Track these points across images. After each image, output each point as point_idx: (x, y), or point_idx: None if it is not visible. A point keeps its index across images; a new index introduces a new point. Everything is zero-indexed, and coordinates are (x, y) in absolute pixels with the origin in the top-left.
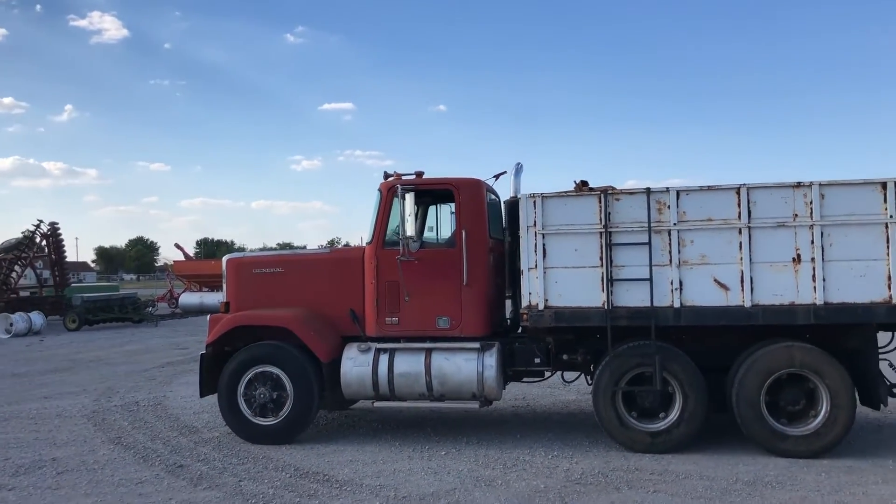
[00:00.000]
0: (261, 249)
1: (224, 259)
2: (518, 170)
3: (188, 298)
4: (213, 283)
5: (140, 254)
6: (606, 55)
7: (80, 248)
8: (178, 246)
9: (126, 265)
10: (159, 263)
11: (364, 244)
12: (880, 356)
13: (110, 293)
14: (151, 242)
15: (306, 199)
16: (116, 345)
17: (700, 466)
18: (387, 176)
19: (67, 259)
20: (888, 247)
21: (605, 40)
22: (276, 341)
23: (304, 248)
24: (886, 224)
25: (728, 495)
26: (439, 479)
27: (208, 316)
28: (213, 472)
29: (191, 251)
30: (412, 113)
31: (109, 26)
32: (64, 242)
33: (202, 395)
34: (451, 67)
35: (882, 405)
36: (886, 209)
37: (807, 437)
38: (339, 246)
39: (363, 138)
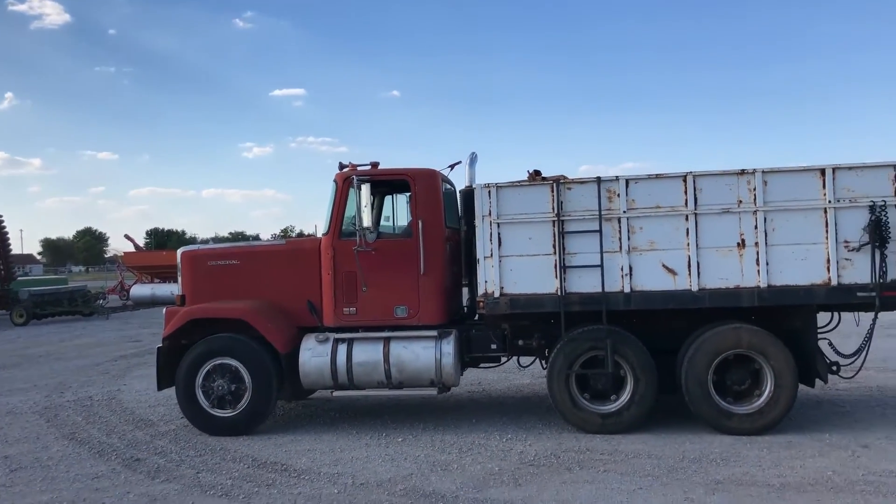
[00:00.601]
0: (213, 239)
1: (179, 252)
2: (473, 159)
3: (139, 290)
4: (164, 274)
5: (88, 245)
6: (562, 38)
7: (25, 240)
8: (127, 237)
9: (74, 257)
10: (109, 255)
11: (319, 234)
12: (820, 335)
13: (59, 286)
14: (100, 233)
15: (258, 186)
16: (67, 339)
17: (649, 446)
18: (342, 167)
19: (12, 252)
20: (827, 231)
21: (560, 23)
22: (233, 333)
23: (258, 237)
24: (825, 209)
25: (675, 472)
26: (396, 465)
27: (164, 309)
28: (171, 465)
29: (141, 242)
30: (365, 99)
31: (50, 11)
32: (8, 234)
33: (160, 388)
34: (405, 52)
35: (823, 382)
36: (825, 195)
37: (751, 415)
38: (293, 235)
39: (316, 125)
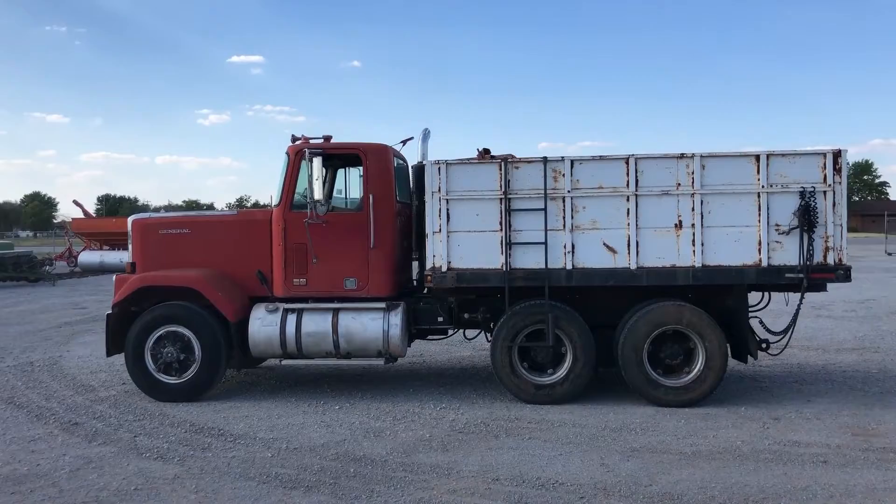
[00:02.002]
0: (165, 208)
1: (129, 219)
2: (425, 135)
3: (88, 257)
4: (114, 241)
5: (37, 210)
6: (524, 13)
7: None
8: (77, 203)
9: (21, 222)
10: (57, 220)
11: (270, 201)
12: (751, 314)
13: (4, 251)
14: (49, 198)
15: (214, 154)
16: (9, 305)
17: (574, 415)
18: (294, 139)
19: None
20: (760, 215)
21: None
22: (183, 302)
23: (212, 206)
24: (759, 194)
25: (595, 440)
26: (331, 431)
27: (114, 276)
28: (109, 429)
29: (91, 208)
30: (325, 68)
31: None
32: None
33: (109, 354)
34: (367, 22)
35: (754, 358)
36: (759, 180)
37: (678, 388)
38: (249, 205)
39: (274, 93)
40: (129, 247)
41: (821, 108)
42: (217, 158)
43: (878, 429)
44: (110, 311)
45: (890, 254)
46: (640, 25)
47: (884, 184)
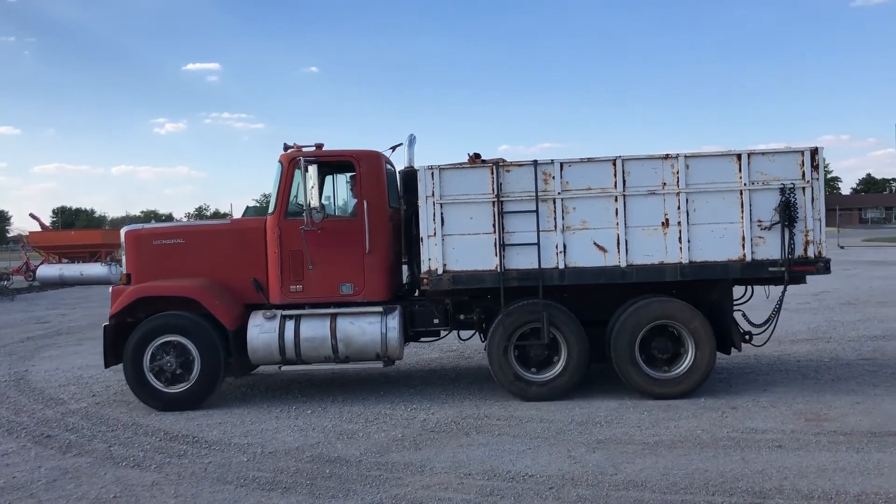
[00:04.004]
0: (123, 219)
1: (122, 231)
2: (411, 141)
3: (47, 270)
4: (73, 254)
5: None
6: (484, 20)
7: None
8: (33, 216)
9: None
10: (12, 234)
11: (235, 213)
12: (735, 307)
13: None
14: (2, 212)
15: (171, 163)
16: None
17: (542, 411)
18: (286, 147)
19: None
20: (742, 211)
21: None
22: (180, 311)
23: (171, 216)
24: (741, 191)
25: (562, 434)
26: (304, 434)
27: (110, 287)
28: (82, 440)
29: (47, 220)
30: (283, 74)
31: None
32: None
33: (107, 365)
34: (324, 27)
35: (738, 350)
36: (741, 178)
37: (669, 381)
38: (208, 214)
39: (231, 100)
40: (123, 258)
41: (772, 105)
42: (174, 168)
43: (829, 414)
44: (107, 323)
45: (842, 247)
46: (597, 30)
47: (835, 179)
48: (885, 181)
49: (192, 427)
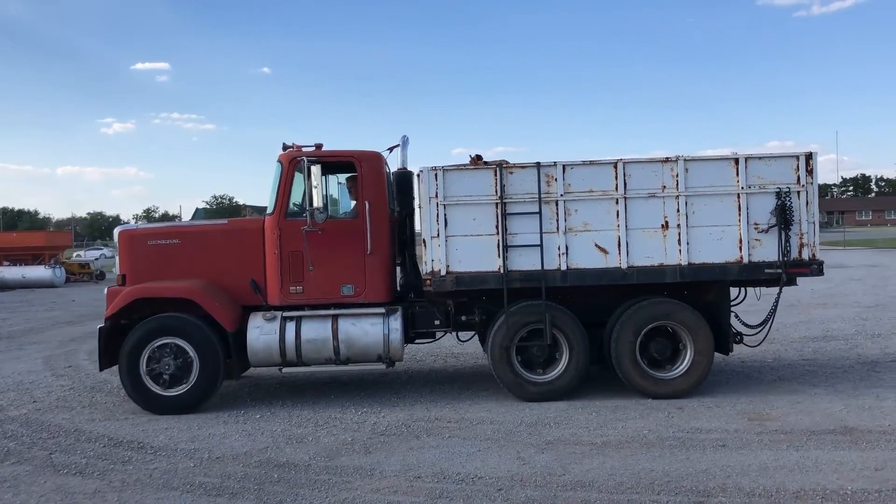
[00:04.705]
0: (69, 221)
1: (116, 231)
2: (405, 143)
3: None
4: (16, 257)
5: None
6: (434, 17)
7: None
8: None
9: None
10: None
11: (184, 215)
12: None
13: None
14: None
15: (119, 164)
16: None
17: (492, 413)
18: (285, 147)
19: None
20: (740, 214)
21: (436, 5)
22: (177, 313)
23: (118, 217)
24: (738, 194)
25: (512, 436)
26: (253, 439)
27: (106, 289)
28: (22, 448)
29: None
30: (234, 75)
31: None
32: None
33: (101, 368)
34: (275, 28)
35: (730, 351)
36: (738, 181)
37: (669, 380)
38: (157, 216)
39: (181, 101)
40: (117, 259)
41: (719, 112)
42: (122, 168)
43: (771, 413)
44: (103, 325)
45: None
46: (545, 34)
47: None
48: (827, 186)
49: (137, 433)
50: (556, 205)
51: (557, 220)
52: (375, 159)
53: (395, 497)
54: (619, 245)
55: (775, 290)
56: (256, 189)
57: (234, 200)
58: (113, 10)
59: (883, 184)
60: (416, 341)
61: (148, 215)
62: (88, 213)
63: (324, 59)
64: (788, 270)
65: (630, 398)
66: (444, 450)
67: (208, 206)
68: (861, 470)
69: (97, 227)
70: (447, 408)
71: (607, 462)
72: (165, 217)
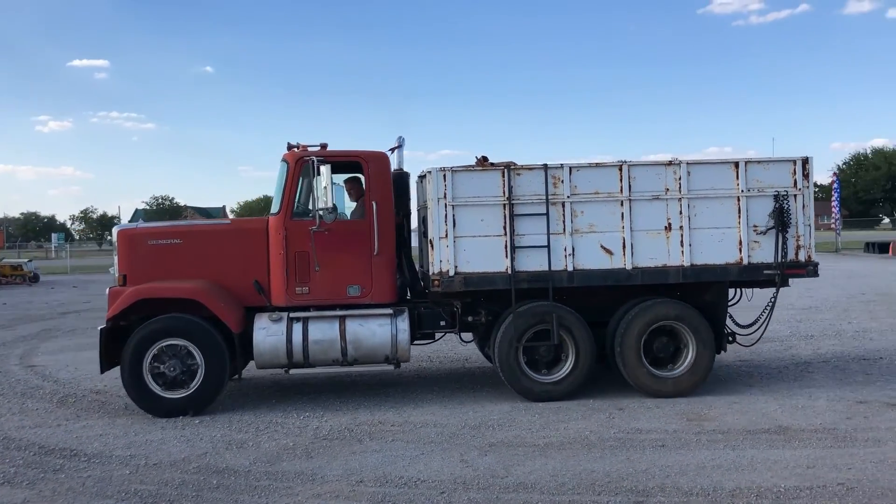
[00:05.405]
0: (0, 219)
1: (114, 230)
2: (401, 144)
3: None
4: None
5: None
6: (382, 17)
7: None
8: None
9: None
10: None
11: (118, 213)
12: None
13: None
14: None
15: (55, 164)
16: None
17: (436, 416)
18: (290, 147)
19: None
20: (739, 217)
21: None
22: (181, 313)
23: (54, 218)
24: (738, 197)
25: (455, 438)
26: (191, 445)
27: (107, 289)
28: None
29: None
30: (176, 73)
31: None
32: None
33: (103, 370)
34: (220, 26)
35: (722, 350)
36: (738, 184)
37: (673, 379)
38: (95, 216)
39: (120, 99)
40: (115, 258)
41: (657, 116)
42: (58, 168)
43: (708, 413)
44: (104, 326)
45: None
46: (491, 37)
47: None
48: None
49: (69, 440)
50: (563, 206)
51: (564, 222)
52: (382, 160)
53: (337, 502)
54: (624, 246)
55: (761, 290)
56: (198, 190)
57: (175, 201)
58: (48, 4)
59: (817, 189)
60: (413, 343)
61: (85, 216)
62: (22, 213)
63: (269, 58)
64: (786, 271)
65: (572, 399)
66: (387, 454)
67: (148, 207)
68: (794, 468)
69: (31, 228)
70: (391, 411)
71: (549, 463)
72: (104, 218)
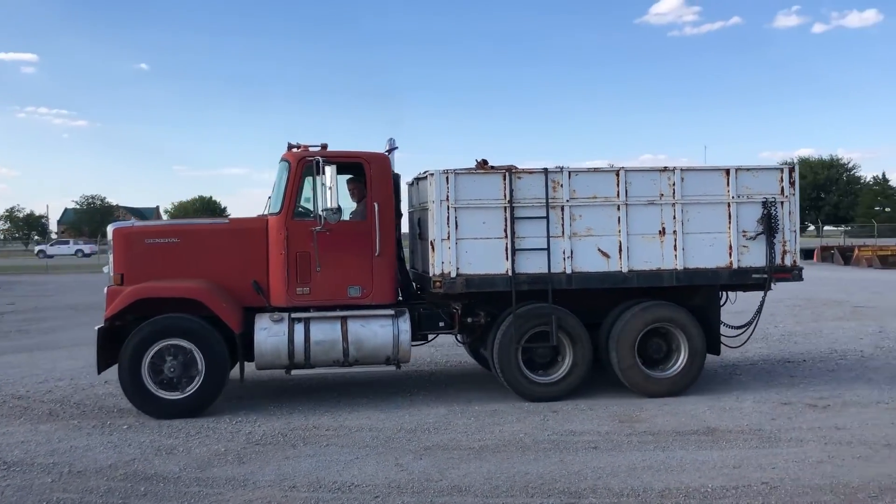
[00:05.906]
0: None
1: (110, 228)
2: (392, 146)
3: None
4: None
5: None
6: (324, 25)
7: None
8: None
9: None
10: None
11: (46, 212)
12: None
13: None
14: None
15: None
16: None
17: (371, 420)
18: (290, 147)
19: None
20: (730, 222)
21: (324, 7)
22: (180, 313)
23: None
24: (728, 203)
25: (391, 442)
26: (119, 451)
27: (105, 288)
28: None
29: None
30: (109, 70)
31: None
32: None
33: (100, 370)
34: (154, 22)
35: (717, 352)
36: (729, 191)
37: (667, 379)
38: (21, 215)
39: (50, 95)
40: (111, 257)
41: (593, 123)
42: None
43: (640, 415)
44: (101, 326)
45: None
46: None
47: None
48: None
49: None
50: (562, 210)
51: (563, 225)
52: (383, 160)
53: None
54: (620, 250)
55: (746, 293)
56: (132, 189)
57: (107, 201)
58: None
59: None
60: (412, 343)
61: (11, 215)
62: None
63: (206, 56)
64: (774, 275)
65: (508, 402)
66: (321, 458)
67: (78, 206)
68: (721, 468)
69: None
70: (326, 415)
71: (484, 466)
72: (31, 217)
